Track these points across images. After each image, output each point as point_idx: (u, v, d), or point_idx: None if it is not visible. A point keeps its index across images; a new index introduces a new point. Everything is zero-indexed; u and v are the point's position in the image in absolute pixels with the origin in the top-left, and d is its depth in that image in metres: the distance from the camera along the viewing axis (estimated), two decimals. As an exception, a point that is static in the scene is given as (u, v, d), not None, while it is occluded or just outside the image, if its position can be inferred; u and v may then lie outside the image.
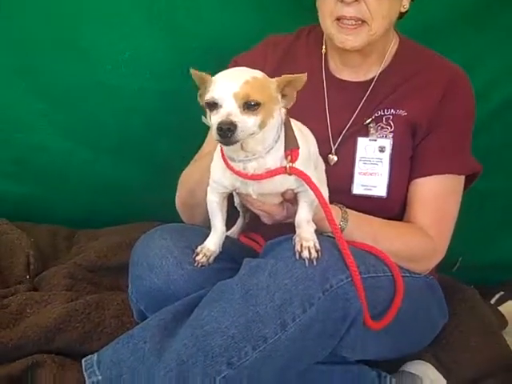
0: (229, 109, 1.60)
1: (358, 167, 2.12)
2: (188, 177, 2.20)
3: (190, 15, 2.59)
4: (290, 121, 1.79)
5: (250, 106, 1.61)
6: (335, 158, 2.15)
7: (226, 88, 1.62)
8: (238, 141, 1.61)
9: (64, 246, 2.86)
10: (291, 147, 1.76)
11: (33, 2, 2.59)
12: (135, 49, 2.64)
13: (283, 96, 1.70)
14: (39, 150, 2.82)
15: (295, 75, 1.67)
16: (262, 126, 1.65)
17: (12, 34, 2.65)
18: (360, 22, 2.02)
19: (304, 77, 1.66)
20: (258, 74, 1.69)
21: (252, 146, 1.71)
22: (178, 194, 2.24)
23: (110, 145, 2.81)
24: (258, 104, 1.61)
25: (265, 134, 1.70)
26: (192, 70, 1.70)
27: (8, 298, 2.38)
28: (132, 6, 2.59)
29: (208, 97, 1.64)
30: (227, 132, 1.57)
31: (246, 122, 1.61)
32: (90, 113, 2.76)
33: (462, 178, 2.16)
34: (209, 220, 1.98)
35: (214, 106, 1.62)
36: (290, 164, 1.75)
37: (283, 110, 1.77)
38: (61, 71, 2.68)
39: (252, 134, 1.64)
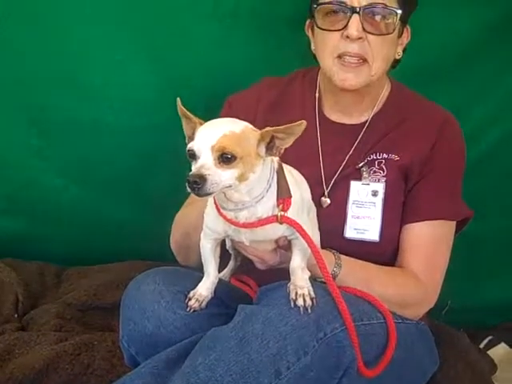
0: (203, 161, 1.62)
1: (351, 210, 2.14)
2: (183, 220, 2.20)
3: (184, 53, 2.61)
4: (282, 169, 1.80)
5: (225, 159, 1.61)
6: (328, 201, 2.16)
7: (205, 140, 1.63)
8: (209, 193, 1.61)
9: (53, 284, 2.84)
10: (284, 196, 1.76)
11: (30, 38, 2.59)
12: (130, 88, 2.65)
13: (271, 147, 1.69)
14: (30, 186, 2.82)
15: (287, 126, 1.65)
16: (241, 179, 1.65)
17: (8, 69, 2.65)
18: (362, 61, 2.05)
19: (301, 125, 1.64)
20: (240, 126, 1.68)
21: (237, 197, 1.72)
22: (172, 235, 2.24)
23: (102, 181, 2.81)
24: (234, 157, 1.62)
25: (250, 186, 1.70)
26: (178, 101, 1.72)
27: (-4, 337, 2.36)
28: (127, 43, 2.60)
29: (189, 147, 1.66)
30: (194, 185, 1.58)
31: (220, 175, 1.61)
32: (81, 149, 2.76)
33: (453, 223, 2.18)
34: None
35: (193, 156, 1.64)
36: (282, 213, 1.75)
37: (276, 159, 1.77)
38: (54, 108, 2.69)
39: (229, 186, 1.65)
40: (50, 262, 2.97)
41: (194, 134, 1.69)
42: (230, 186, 1.65)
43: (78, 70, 2.64)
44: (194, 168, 1.62)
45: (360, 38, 2.02)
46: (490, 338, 2.75)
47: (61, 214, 2.87)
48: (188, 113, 1.72)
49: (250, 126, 1.72)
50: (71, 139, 2.75)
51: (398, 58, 2.17)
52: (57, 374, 2.18)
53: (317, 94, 2.27)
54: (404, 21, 2.10)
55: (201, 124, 1.71)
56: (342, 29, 2.03)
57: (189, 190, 1.60)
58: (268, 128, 1.68)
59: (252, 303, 1.89)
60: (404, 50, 2.19)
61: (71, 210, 2.86)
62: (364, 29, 2.01)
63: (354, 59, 2.05)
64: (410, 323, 2.09)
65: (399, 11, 2.03)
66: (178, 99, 1.73)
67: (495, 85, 2.60)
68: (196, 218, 1.96)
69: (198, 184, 1.58)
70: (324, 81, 2.23)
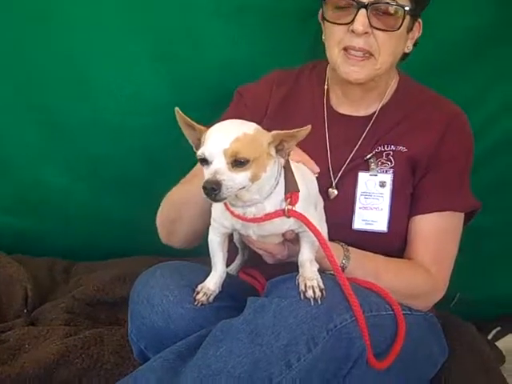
0: (217, 166, 1.61)
1: (359, 202, 2.14)
2: (175, 195, 2.18)
3: (191, 50, 2.61)
4: (289, 164, 1.80)
5: (239, 162, 1.62)
6: (335, 192, 2.16)
7: (217, 145, 1.63)
8: (225, 198, 1.62)
9: (61, 279, 2.85)
10: (291, 190, 1.77)
11: (39, 40, 2.60)
12: (137, 86, 2.65)
13: (280, 149, 1.70)
14: (38, 184, 2.83)
15: (296, 130, 1.65)
16: (253, 179, 1.66)
17: (16, 71, 2.67)
18: (367, 55, 2.05)
19: (307, 130, 1.65)
20: (251, 128, 1.68)
21: (248, 197, 1.72)
22: (160, 210, 2.22)
23: (109, 180, 2.82)
24: (247, 160, 1.62)
25: (259, 185, 1.71)
26: (177, 110, 1.70)
27: (6, 332, 2.37)
28: (135, 44, 2.60)
29: (199, 152, 1.65)
30: (211, 191, 1.59)
31: (234, 179, 1.62)
32: (90, 149, 2.77)
33: (462, 215, 2.18)
34: (189, 239, 2.10)
35: (204, 161, 1.64)
36: (289, 207, 1.75)
37: None
38: (62, 107, 2.70)
39: (242, 188, 1.65)
40: (59, 258, 2.98)
41: (199, 140, 1.69)
42: (244, 188, 1.66)
43: (85, 71, 2.65)
44: (208, 174, 1.62)
45: (366, 33, 2.02)
46: (497, 329, 2.76)
47: (67, 211, 2.88)
48: (190, 121, 1.70)
49: (259, 127, 1.72)
50: (78, 139, 2.76)
51: (407, 51, 2.16)
52: (66, 368, 2.17)
53: (325, 87, 2.27)
54: (415, 16, 2.09)
55: (205, 131, 1.69)
56: (349, 23, 2.02)
57: (205, 196, 1.60)
58: (278, 131, 1.68)
59: (259, 297, 1.89)
60: (415, 44, 2.18)
61: (78, 208, 2.88)
62: (371, 24, 2.01)
63: (359, 53, 2.05)
64: (419, 314, 2.10)
65: (407, 7, 2.02)
66: (177, 108, 1.70)
67: (503, 79, 2.58)
68: (192, 193, 1.96)
69: (215, 190, 1.59)
70: (332, 73, 2.23)
